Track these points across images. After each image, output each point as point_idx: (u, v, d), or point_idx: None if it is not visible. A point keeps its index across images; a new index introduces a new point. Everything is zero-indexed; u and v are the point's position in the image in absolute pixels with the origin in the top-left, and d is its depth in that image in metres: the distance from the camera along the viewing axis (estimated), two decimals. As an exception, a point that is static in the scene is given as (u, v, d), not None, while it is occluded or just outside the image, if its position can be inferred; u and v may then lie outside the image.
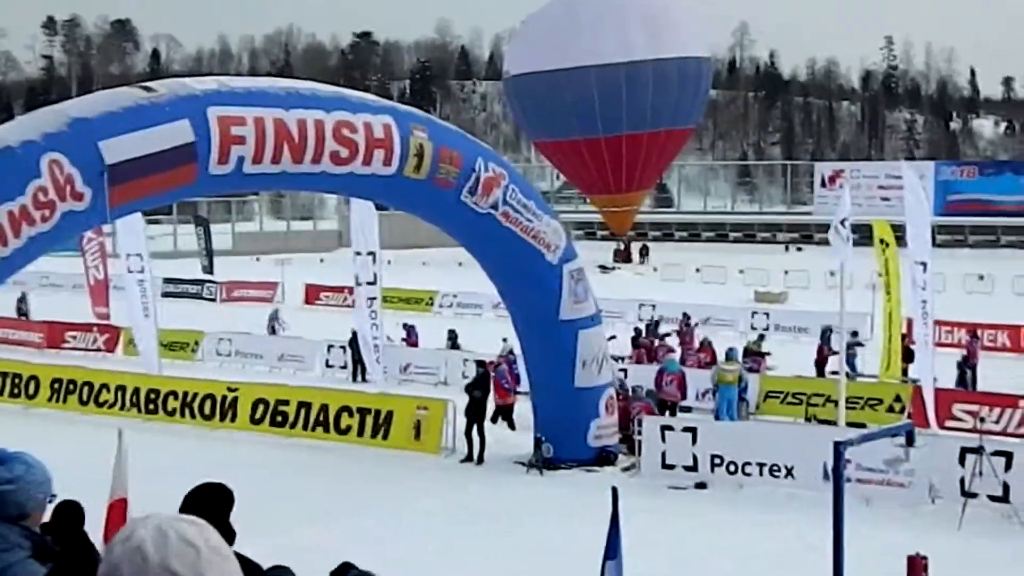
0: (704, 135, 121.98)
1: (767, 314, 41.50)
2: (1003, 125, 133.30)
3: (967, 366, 28.03)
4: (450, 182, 19.04)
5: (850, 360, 28.51)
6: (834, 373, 25.00)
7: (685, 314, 35.43)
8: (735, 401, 24.53)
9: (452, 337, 32.33)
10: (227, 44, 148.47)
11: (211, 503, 5.63)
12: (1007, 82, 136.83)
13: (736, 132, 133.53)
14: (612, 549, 9.12)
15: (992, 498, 17.37)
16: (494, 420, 23.36)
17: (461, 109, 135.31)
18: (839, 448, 8.15)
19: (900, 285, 24.23)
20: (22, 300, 41.52)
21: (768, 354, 29.45)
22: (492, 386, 23.27)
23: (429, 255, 62.79)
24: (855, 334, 29.17)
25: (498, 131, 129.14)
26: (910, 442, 10.97)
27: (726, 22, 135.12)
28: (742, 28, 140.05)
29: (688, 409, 25.17)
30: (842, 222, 20.45)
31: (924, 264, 20.80)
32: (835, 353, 28.47)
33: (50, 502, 4.37)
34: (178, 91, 15.80)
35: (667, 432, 20.20)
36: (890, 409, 24.78)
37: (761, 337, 31.27)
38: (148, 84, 16.21)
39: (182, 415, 25.13)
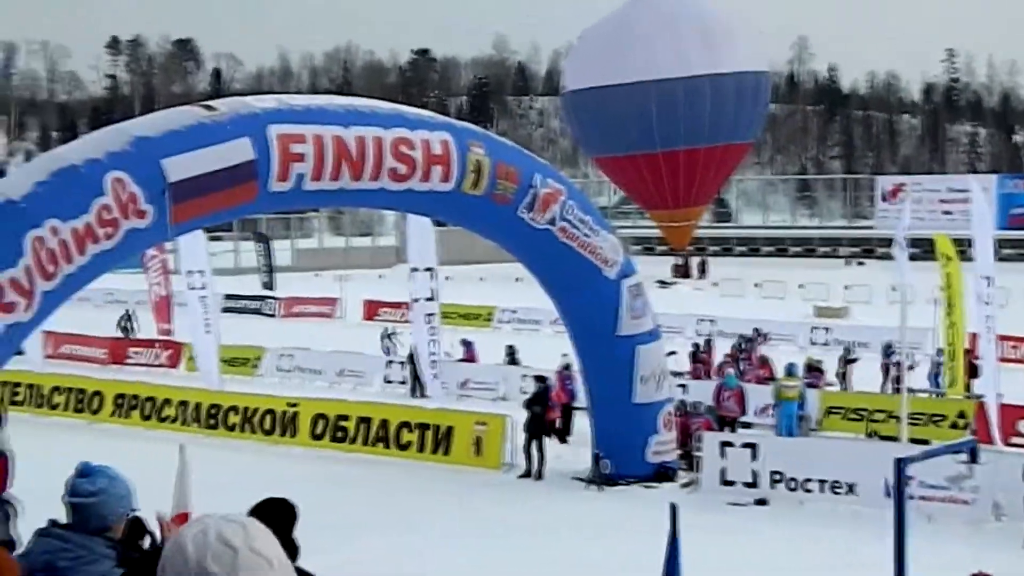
0: (763, 149, 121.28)
1: (827, 329, 41.16)
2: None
3: None
4: (508, 198, 19.10)
5: (936, 376, 28.26)
6: (910, 390, 24.77)
7: (756, 329, 35.25)
8: (795, 417, 24.36)
9: (511, 353, 32.35)
10: (287, 62, 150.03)
11: (274, 518, 5.66)
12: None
13: (795, 146, 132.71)
14: (671, 566, 9.07)
15: (1058, 516, 17.09)
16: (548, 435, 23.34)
17: (519, 125, 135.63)
18: (901, 464, 8.07)
19: (963, 300, 23.92)
20: (126, 318, 42.04)
21: (855, 359, 29.73)
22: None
23: (487, 270, 62.90)
24: (941, 352, 28.87)
25: (556, 146, 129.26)
26: (973, 459, 10.84)
27: (785, 35, 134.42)
28: (801, 42, 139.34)
29: (748, 425, 25.03)
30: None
31: (989, 278, 20.57)
32: (889, 369, 28.38)
33: (130, 516, 4.43)
34: (239, 109, 16.01)
35: (727, 448, 20.07)
36: (954, 425, 24.48)
37: (848, 351, 31.22)
38: (209, 103, 16.43)
39: (243, 430, 25.33)
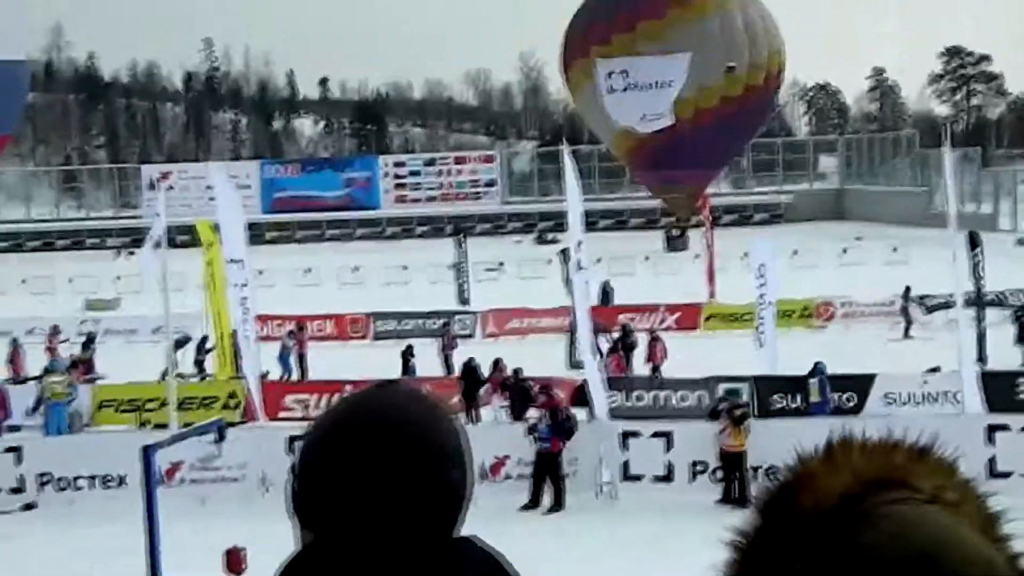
0: (24, 141, 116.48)
1: (97, 321, 40.53)
2: (321, 123, 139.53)
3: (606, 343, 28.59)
4: None
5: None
6: (179, 376, 25.01)
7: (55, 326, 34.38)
8: (65, 414, 23.68)
9: None
10: None
11: None
12: (323, 82, 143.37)
13: (58, 136, 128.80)
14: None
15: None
16: None
17: None
18: (148, 451, 8.11)
19: (224, 283, 24.44)
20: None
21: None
22: None
23: None
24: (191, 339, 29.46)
25: None
26: (221, 437, 11.19)
27: (39, 22, 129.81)
28: (57, 29, 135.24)
29: (16, 428, 23.93)
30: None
31: (241, 261, 21.21)
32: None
33: None
34: None
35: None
36: (226, 406, 25.14)
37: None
38: None
39: None
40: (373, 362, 30.15)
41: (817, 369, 22.99)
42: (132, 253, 76.93)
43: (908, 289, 34.63)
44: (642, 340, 28.82)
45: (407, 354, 28.23)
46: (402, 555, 1.41)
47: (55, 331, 33.70)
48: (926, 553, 1.06)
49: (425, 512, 1.45)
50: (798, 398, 23.60)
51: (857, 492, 1.12)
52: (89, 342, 31.07)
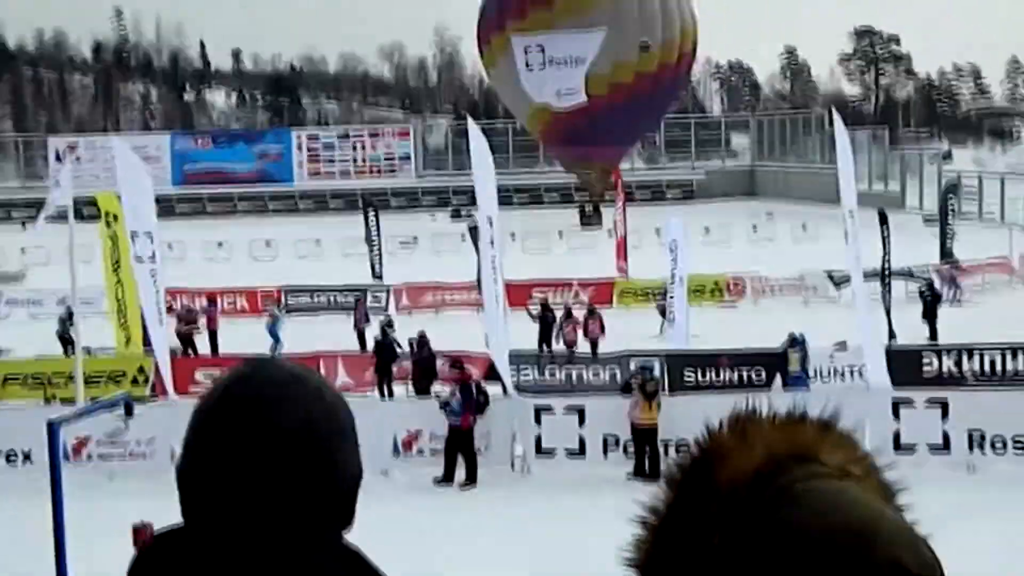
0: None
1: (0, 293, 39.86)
2: (234, 96, 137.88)
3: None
4: None
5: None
6: (87, 350, 24.66)
7: None
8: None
9: None
10: None
11: None
12: (236, 54, 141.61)
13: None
14: None
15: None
16: None
17: None
18: (53, 426, 7.97)
19: (130, 258, 23.86)
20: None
21: None
22: None
23: None
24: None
25: None
26: (128, 412, 11.05)
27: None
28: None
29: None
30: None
31: (149, 234, 20.76)
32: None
33: None
34: None
35: None
36: (135, 381, 24.81)
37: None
38: None
39: None
40: (285, 336, 30.06)
41: (797, 340, 23.17)
42: (31, 224, 75.56)
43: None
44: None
45: (386, 327, 27.30)
46: (257, 548, 1.35)
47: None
48: (857, 529, 1.06)
49: (298, 499, 1.39)
50: (721, 373, 24.02)
51: (771, 468, 1.12)
52: (68, 317, 30.01)
